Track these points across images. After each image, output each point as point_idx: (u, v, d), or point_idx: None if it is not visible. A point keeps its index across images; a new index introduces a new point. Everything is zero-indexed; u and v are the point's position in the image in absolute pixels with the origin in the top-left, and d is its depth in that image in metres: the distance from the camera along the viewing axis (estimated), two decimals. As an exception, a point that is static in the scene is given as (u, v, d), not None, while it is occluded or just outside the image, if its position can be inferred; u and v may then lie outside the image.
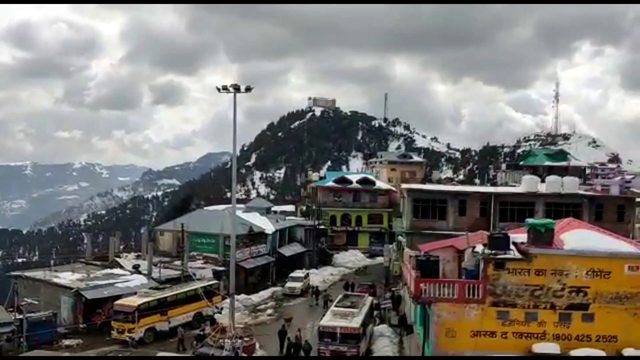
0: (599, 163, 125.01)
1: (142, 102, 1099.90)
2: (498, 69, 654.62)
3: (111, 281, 39.26)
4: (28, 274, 41.69)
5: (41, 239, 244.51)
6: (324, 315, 32.97)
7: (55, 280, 38.80)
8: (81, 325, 35.82)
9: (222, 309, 38.86)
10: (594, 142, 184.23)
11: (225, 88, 32.08)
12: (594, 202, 40.89)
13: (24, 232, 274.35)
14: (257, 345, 31.67)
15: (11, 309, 34.99)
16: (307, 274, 51.31)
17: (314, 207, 71.66)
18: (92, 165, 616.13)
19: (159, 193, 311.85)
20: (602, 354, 22.86)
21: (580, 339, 23.30)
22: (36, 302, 35.15)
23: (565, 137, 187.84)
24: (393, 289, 44.34)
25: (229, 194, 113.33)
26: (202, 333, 32.44)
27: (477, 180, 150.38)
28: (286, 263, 55.87)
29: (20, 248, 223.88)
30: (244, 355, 29.65)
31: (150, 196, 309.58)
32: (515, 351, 23.36)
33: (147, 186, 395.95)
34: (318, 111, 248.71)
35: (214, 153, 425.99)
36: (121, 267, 43.81)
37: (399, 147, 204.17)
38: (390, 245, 55.98)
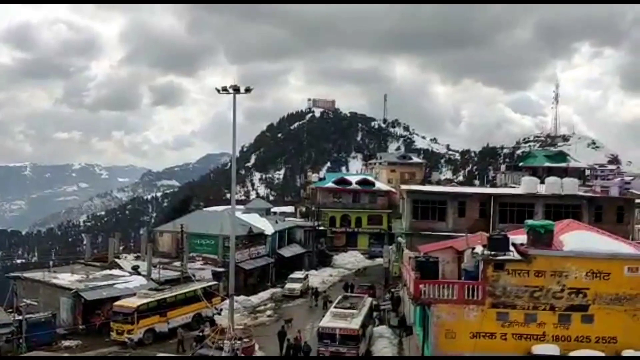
0: (598, 164, 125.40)
1: (141, 103, 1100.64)
2: (498, 71, 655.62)
3: (110, 282, 39.21)
4: (27, 275, 41.66)
5: (40, 239, 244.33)
6: (323, 316, 32.92)
7: (55, 281, 38.77)
8: (80, 326, 35.82)
9: (221, 310, 38.85)
10: (594, 143, 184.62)
11: (224, 89, 32.06)
12: (594, 204, 40.88)
13: (23, 233, 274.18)
14: (257, 347, 31.63)
15: (10, 310, 34.88)
16: (307, 275, 51.28)
17: (313, 208, 71.64)
18: (91, 166, 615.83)
19: (159, 194, 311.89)
20: (602, 355, 22.85)
21: (580, 340, 23.30)
22: (35, 303, 35.09)
23: (565, 139, 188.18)
24: (392, 290, 44.30)
25: (228, 195, 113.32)
26: (201, 334, 32.40)
27: (476, 182, 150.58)
28: (286, 264, 55.85)
29: (20, 249, 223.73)
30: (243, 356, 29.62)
31: (149, 197, 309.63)
32: (514, 352, 23.36)
33: (147, 187, 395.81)
34: (318, 112, 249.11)
35: (213, 154, 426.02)
36: (120, 268, 43.76)
37: (398, 148, 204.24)
38: (390, 247, 55.94)
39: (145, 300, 34.49)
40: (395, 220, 56.90)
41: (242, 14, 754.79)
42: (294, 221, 67.18)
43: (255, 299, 45.38)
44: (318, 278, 53.72)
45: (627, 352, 22.79)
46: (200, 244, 49.85)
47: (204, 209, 76.19)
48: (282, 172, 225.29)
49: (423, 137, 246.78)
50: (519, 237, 25.01)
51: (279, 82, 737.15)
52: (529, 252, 23.59)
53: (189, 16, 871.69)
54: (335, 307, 33.06)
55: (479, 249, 25.11)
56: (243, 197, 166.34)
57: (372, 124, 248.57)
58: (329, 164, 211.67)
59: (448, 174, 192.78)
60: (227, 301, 34.56)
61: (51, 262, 45.41)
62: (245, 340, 30.28)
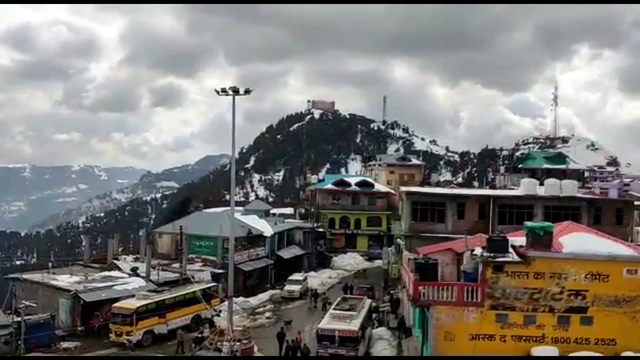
0: (597, 166, 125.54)
1: (141, 104, 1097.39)
2: (497, 72, 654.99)
3: (109, 284, 39.18)
4: (26, 276, 41.63)
5: (39, 241, 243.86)
6: (322, 318, 32.90)
7: (53, 282, 38.70)
8: (79, 328, 35.79)
9: (220, 311, 38.77)
10: (593, 145, 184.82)
11: (224, 90, 32.04)
12: (593, 205, 40.90)
13: (22, 234, 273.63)
14: (256, 348, 31.61)
15: (9, 312, 34.84)
16: (306, 277, 51.25)
17: (312, 209, 71.67)
18: (90, 167, 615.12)
19: (158, 195, 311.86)
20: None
21: (579, 342, 23.33)
22: (34, 305, 34.94)
23: (564, 140, 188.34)
24: (392, 291, 44.30)
25: (227, 197, 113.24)
26: (200, 336, 32.38)
27: (475, 183, 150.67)
28: (285, 266, 55.81)
29: (19, 250, 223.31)
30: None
31: (148, 198, 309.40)
32: (514, 354, 23.35)
33: (146, 188, 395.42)
34: (317, 114, 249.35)
35: (212, 155, 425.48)
36: (119, 269, 43.72)
37: (397, 150, 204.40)
38: (389, 248, 55.97)
39: (144, 302, 34.46)
40: (394, 222, 56.91)
41: (242, 15, 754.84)
42: (293, 223, 67.20)
43: (254, 300, 45.34)
44: (317, 280, 53.72)
45: (626, 354, 22.78)
46: (199, 245, 49.83)
47: (203, 210, 76.37)
48: (281, 173, 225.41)
49: (422, 139, 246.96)
50: (518, 239, 25.02)
51: (279, 83, 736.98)
52: (528, 254, 23.61)
53: (188, 17, 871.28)
54: (334, 308, 33.04)
55: (478, 250, 25.12)
56: (242, 199, 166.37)
57: (372, 125, 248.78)
58: (328, 165, 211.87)
59: (447, 176, 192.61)
60: (226, 303, 34.53)
61: (50, 264, 45.33)
62: (244, 341, 30.26)
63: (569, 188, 42.44)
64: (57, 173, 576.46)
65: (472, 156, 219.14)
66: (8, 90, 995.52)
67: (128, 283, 39.69)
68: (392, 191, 75.55)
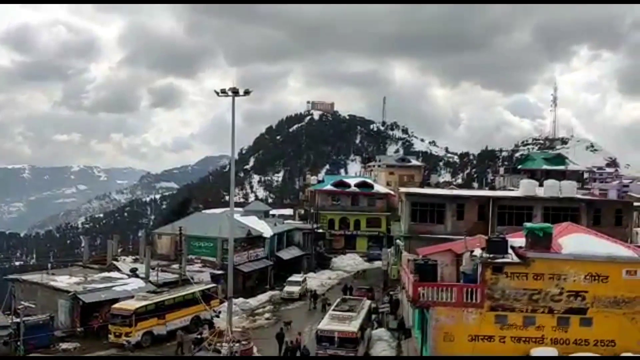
0: (596, 167, 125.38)
1: (140, 105, 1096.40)
2: (496, 73, 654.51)
3: (108, 285, 39.19)
4: (25, 277, 41.64)
5: (39, 242, 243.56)
6: (322, 319, 32.90)
7: (53, 283, 38.70)
8: (78, 329, 35.80)
9: (219, 312, 38.78)
10: (592, 146, 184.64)
11: (223, 91, 32.09)
12: (592, 207, 40.92)
13: (22, 235, 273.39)
14: (255, 349, 31.59)
15: (8, 312, 34.86)
16: (305, 278, 51.20)
17: (312, 210, 71.67)
18: (90, 168, 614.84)
19: (157, 196, 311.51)
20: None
21: (579, 343, 23.32)
22: (33, 306, 34.97)
23: (563, 141, 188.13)
24: (391, 292, 44.31)
25: (227, 197, 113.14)
26: (200, 337, 32.36)
27: (475, 184, 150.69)
28: (284, 267, 55.81)
29: (18, 251, 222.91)
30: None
31: (148, 199, 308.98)
32: (513, 355, 23.34)
33: (145, 189, 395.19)
34: (316, 115, 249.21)
35: (212, 156, 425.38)
36: (119, 270, 43.74)
37: (397, 151, 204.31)
38: (389, 249, 55.96)
39: (143, 303, 34.45)
40: (394, 223, 56.87)
41: (241, 16, 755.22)
42: (293, 224, 67.24)
43: (253, 301, 45.34)
44: (317, 281, 53.71)
45: (625, 355, 22.78)
46: (198, 246, 49.85)
47: (203, 211, 76.34)
48: (280, 174, 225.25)
49: (422, 140, 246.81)
50: (518, 240, 25.03)
51: (278, 84, 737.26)
52: (528, 255, 23.61)
53: (188, 18, 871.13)
54: (333, 309, 33.04)
55: (477, 251, 25.13)
56: (242, 200, 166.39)
57: (371, 126, 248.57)
58: (327, 166, 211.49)
59: (447, 177, 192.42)
60: (226, 304, 34.55)
61: (49, 265, 45.28)
62: (243, 342, 30.29)
63: (568, 189, 42.48)
64: (57, 174, 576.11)
65: (471, 157, 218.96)
66: (8, 91, 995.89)
67: (127, 284, 39.68)
68: (392, 192, 75.57)
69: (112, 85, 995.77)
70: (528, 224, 26.02)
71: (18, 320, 32.10)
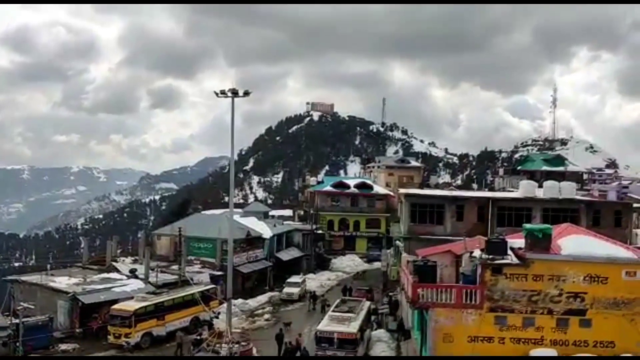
0: (596, 168, 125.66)
1: (140, 106, 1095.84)
2: (496, 74, 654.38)
3: (108, 285, 39.17)
4: (24, 278, 41.60)
5: (38, 243, 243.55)
6: (321, 320, 32.89)
7: (52, 284, 38.69)
8: (77, 330, 35.77)
9: (219, 313, 38.76)
10: (592, 147, 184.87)
11: (223, 92, 32.08)
12: (592, 208, 40.97)
13: (21, 235, 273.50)
14: (254, 350, 31.55)
15: (7, 313, 34.83)
16: (305, 279, 51.17)
17: (311, 211, 71.56)
18: (89, 169, 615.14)
19: (157, 197, 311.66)
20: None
21: (578, 344, 23.31)
22: (32, 307, 35.01)
23: (563, 143, 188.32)
24: (390, 293, 44.26)
25: (226, 198, 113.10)
26: (199, 338, 32.34)
27: (474, 185, 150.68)
28: (284, 268, 55.78)
29: (17, 252, 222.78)
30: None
31: (147, 200, 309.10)
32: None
33: (145, 190, 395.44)
34: (316, 116, 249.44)
35: (211, 157, 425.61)
36: (118, 271, 43.72)
37: (396, 152, 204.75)
38: (388, 250, 55.92)
39: (142, 304, 34.44)
40: (393, 224, 56.83)
41: (241, 17, 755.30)
42: (292, 225, 67.20)
43: (253, 302, 45.30)
44: (316, 282, 53.65)
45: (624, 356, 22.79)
46: (198, 247, 49.82)
47: (202, 212, 76.41)
48: (280, 175, 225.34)
49: (421, 141, 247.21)
50: (517, 241, 25.02)
51: (278, 85, 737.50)
52: (527, 256, 23.61)
53: (187, 19, 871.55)
54: (333, 310, 33.04)
55: (477, 252, 25.13)
56: (241, 201, 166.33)
57: (371, 127, 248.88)
58: (327, 167, 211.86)
59: (446, 178, 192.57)
60: (225, 305, 34.52)
61: (49, 266, 45.33)
62: (243, 343, 30.28)
63: (568, 190, 42.51)
64: (56, 174, 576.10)
65: (471, 158, 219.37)
66: (7, 91, 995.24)
67: (127, 285, 39.66)
68: (391, 193, 75.57)
69: (111, 86, 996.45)
70: (527, 225, 26.04)
71: (17, 321, 32.04)
